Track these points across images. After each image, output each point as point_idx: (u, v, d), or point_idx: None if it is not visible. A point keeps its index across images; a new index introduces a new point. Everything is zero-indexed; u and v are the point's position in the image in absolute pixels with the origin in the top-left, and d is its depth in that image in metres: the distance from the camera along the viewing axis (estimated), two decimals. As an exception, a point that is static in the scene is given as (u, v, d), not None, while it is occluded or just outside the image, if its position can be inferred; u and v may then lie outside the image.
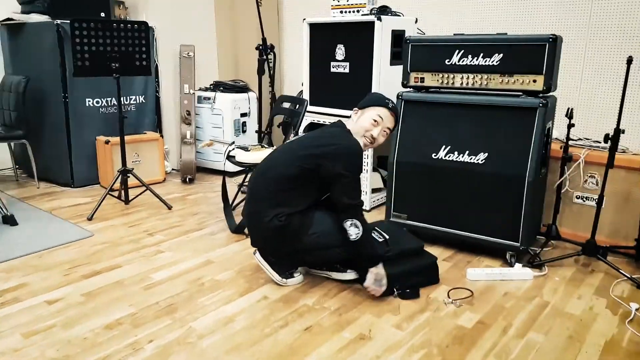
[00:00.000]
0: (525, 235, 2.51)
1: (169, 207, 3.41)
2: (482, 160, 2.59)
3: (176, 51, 4.26)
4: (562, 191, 2.80)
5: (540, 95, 2.49)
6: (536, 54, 2.43)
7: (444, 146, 2.69)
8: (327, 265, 2.37)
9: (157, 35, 4.23)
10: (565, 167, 2.74)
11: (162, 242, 2.84)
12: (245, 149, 3.09)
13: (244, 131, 4.39)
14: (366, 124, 2.24)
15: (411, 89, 2.85)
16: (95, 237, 2.89)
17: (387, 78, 3.34)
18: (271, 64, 4.34)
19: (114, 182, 3.39)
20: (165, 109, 4.44)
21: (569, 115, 2.57)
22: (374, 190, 3.60)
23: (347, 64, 3.41)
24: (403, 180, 2.84)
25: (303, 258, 2.32)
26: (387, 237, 2.40)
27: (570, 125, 2.60)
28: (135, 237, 2.91)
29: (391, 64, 3.35)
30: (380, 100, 2.30)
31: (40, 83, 3.84)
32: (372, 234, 2.35)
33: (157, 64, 4.28)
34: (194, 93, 4.25)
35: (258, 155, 2.98)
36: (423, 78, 2.77)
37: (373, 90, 3.29)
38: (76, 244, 2.78)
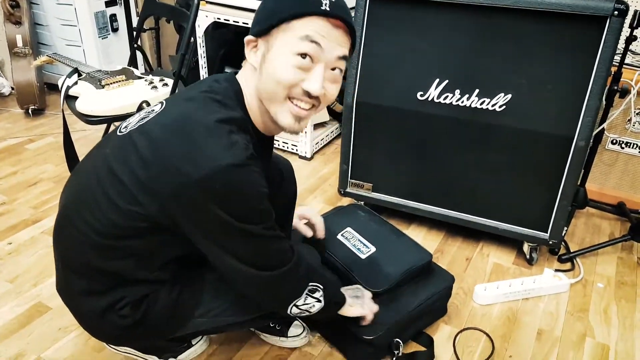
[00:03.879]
0: (557, 223, 1.62)
1: (-10, 173, 2.12)
2: (500, 107, 1.56)
3: None
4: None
5: (612, -8, 1.43)
6: None
7: (437, 80, 1.61)
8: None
9: None
10: (612, 104, 1.78)
11: (-37, 257, 1.65)
12: (98, 82, 1.80)
13: (115, 29, 2.94)
14: (282, 69, 0.93)
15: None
16: None
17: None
18: None
19: None
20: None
21: (637, 21, 1.55)
22: (315, 127, 2.50)
23: None
24: (367, 133, 1.77)
25: (197, 334, 1.28)
26: (375, 248, 1.41)
27: (631, 39, 1.60)
28: None
29: None
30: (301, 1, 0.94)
31: None
32: (349, 242, 1.40)
33: None
34: (20, -31, 2.67)
35: (116, 100, 1.72)
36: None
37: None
38: None
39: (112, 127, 2.18)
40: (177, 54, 2.88)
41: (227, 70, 2.67)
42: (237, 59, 2.72)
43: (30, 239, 1.74)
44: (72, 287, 1.04)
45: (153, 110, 1.00)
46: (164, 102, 1.02)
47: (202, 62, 2.58)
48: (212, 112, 0.90)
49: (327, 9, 0.91)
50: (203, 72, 2.62)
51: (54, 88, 2.94)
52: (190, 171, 0.85)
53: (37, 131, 2.54)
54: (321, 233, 1.40)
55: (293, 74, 0.93)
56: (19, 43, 2.67)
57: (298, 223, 1.40)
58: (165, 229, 0.94)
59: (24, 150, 2.34)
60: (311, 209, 1.45)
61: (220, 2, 2.31)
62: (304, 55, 0.92)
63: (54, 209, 1.90)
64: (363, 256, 1.39)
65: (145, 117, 0.98)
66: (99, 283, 1.01)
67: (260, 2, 0.99)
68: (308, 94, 0.95)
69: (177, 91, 1.81)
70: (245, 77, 1.00)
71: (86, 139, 2.44)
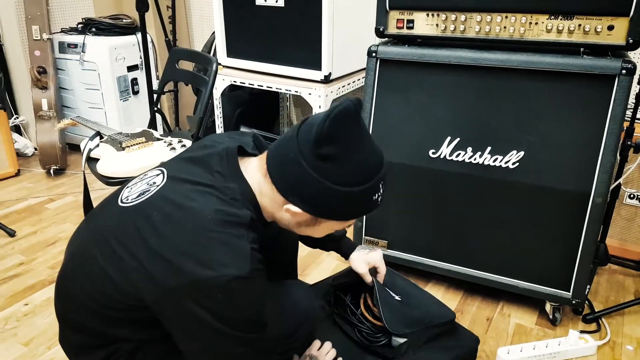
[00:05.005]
0: (580, 281, 1.58)
1: (11, 234, 2.16)
2: (514, 164, 1.57)
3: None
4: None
5: (621, 52, 1.47)
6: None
7: (448, 138, 1.63)
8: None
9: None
10: (627, 159, 1.78)
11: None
12: (119, 144, 1.86)
13: (135, 92, 3.07)
14: (322, 234, 1.02)
15: (392, 40, 1.73)
16: None
17: (348, 19, 2.16)
18: (167, -8, 2.98)
19: None
20: (12, 63, 3.00)
21: (646, 80, 1.57)
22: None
23: (280, -7, 2.18)
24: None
25: None
26: (400, 298, 1.40)
27: (641, 97, 1.62)
28: None
29: (349, -6, 2.16)
30: (371, 205, 0.96)
31: None
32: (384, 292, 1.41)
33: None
34: (49, 39, 2.83)
35: (135, 162, 1.77)
36: (412, 21, 1.64)
37: (325, 40, 2.11)
38: None
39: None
40: (194, 115, 2.97)
41: (243, 129, 2.74)
42: (251, 118, 2.80)
43: (47, 299, 1.74)
44: (69, 340, 1.06)
45: (154, 182, 1.01)
46: (164, 171, 1.02)
47: (219, 122, 2.65)
48: (220, 212, 0.89)
49: (380, 202, 0.98)
50: (219, 132, 2.70)
51: (74, 148, 3.04)
52: (196, 273, 0.84)
53: (57, 191, 2.60)
54: (381, 278, 1.42)
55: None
56: (44, 107, 2.79)
57: (364, 268, 1.38)
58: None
59: (44, 210, 2.39)
60: (381, 255, 1.44)
61: (237, 67, 2.41)
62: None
63: (70, 269, 1.91)
64: (392, 300, 1.38)
65: (147, 191, 0.98)
66: (94, 339, 1.00)
67: (319, 185, 0.90)
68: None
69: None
70: (258, 189, 0.97)
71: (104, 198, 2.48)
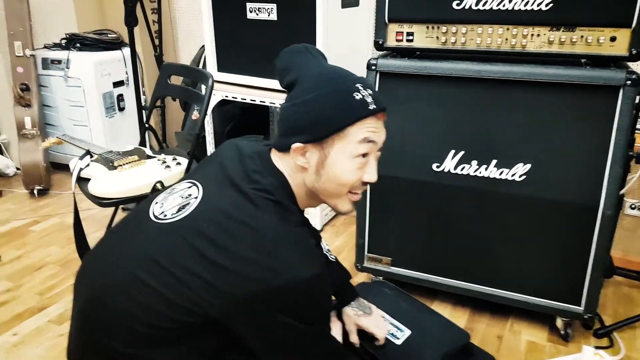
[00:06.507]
0: (591, 295, 1.55)
1: (-7, 259, 2.05)
2: (520, 176, 1.54)
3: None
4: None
5: (622, 63, 1.46)
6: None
7: (452, 151, 1.60)
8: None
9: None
10: (629, 170, 1.77)
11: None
12: (110, 163, 1.78)
13: (121, 109, 2.99)
14: (346, 174, 0.96)
15: (391, 53, 1.70)
16: None
17: (341, 32, 2.13)
18: (155, 6, 2.93)
19: None
20: (-9, 79, 2.91)
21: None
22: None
23: (274, 6, 2.14)
24: (383, 205, 1.74)
25: None
26: (410, 331, 1.33)
27: (641, 107, 1.61)
28: None
29: (343, 6, 2.13)
30: (356, 104, 0.94)
31: None
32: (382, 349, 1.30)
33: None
34: (32, 55, 2.75)
35: (129, 181, 1.70)
36: (412, 33, 1.62)
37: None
38: None
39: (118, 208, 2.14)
40: (182, 131, 2.91)
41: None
42: (241, 134, 2.73)
43: (36, 329, 1.64)
44: None
45: (190, 195, 0.96)
46: (196, 182, 0.98)
47: (210, 138, 2.59)
48: (279, 219, 0.90)
49: (374, 106, 0.96)
50: (210, 147, 2.63)
51: (58, 167, 2.93)
52: (269, 279, 0.83)
53: (42, 212, 2.49)
54: (381, 340, 1.28)
55: (355, 176, 0.97)
56: (28, 125, 2.70)
57: (351, 328, 1.26)
58: (217, 328, 0.88)
59: (28, 232, 2.29)
60: (377, 319, 1.30)
61: (228, 81, 2.36)
62: (364, 155, 0.97)
63: (60, 295, 1.82)
64: (399, 342, 1.30)
65: (186, 205, 0.93)
66: None
67: (295, 108, 0.97)
68: (363, 184, 1.01)
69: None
70: (290, 172, 1.00)
71: (92, 219, 2.39)
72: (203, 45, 2.56)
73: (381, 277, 1.82)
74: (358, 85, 0.96)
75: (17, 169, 2.96)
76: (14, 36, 2.69)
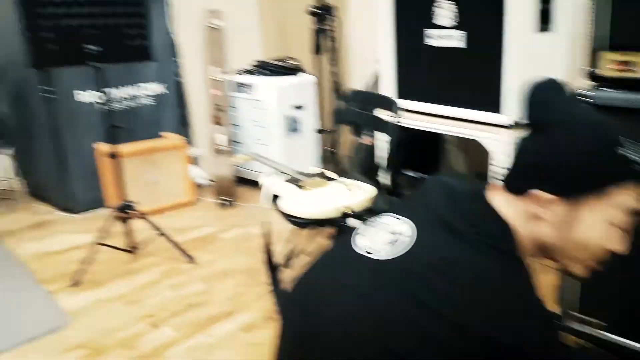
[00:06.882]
0: None
1: (191, 260, 2.31)
2: None
3: (201, 19, 3.10)
4: None
5: None
6: None
7: None
8: None
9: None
10: None
11: (169, 345, 1.75)
12: (296, 182, 1.89)
13: (298, 130, 3.18)
14: (598, 242, 0.86)
15: (606, 84, 1.53)
16: (69, 332, 1.84)
17: (534, 59, 2.01)
18: (333, 35, 3.08)
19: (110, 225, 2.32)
20: (193, 100, 3.31)
21: None
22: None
23: (463, 33, 2.10)
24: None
25: None
26: None
27: None
28: (129, 331, 1.83)
29: (542, 30, 2.01)
30: (622, 161, 0.81)
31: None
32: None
33: (172, 39, 3.12)
34: (225, 80, 3.08)
35: (318, 203, 1.77)
36: (634, 63, 1.44)
37: (510, 82, 1.98)
38: (34, 348, 1.75)
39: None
40: (355, 155, 2.99)
41: (407, 172, 2.67)
42: (412, 161, 2.72)
43: (228, 332, 1.80)
44: None
45: (400, 232, 0.92)
46: (414, 226, 0.92)
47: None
48: (511, 272, 0.82)
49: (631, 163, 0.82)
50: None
51: (242, 181, 3.21)
52: (498, 340, 0.75)
53: (228, 221, 2.75)
54: None
55: (609, 245, 0.86)
56: (221, 141, 3.01)
57: None
58: None
59: (218, 240, 2.54)
60: None
61: (408, 109, 2.36)
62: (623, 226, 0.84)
63: (247, 303, 1.97)
64: None
65: (396, 242, 0.89)
66: None
67: (547, 149, 0.85)
68: (611, 252, 0.87)
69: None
70: (517, 218, 0.88)
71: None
72: (375, 71, 2.61)
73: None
74: (621, 137, 0.83)
75: (211, 180, 3.28)
76: (211, 62, 3.04)
